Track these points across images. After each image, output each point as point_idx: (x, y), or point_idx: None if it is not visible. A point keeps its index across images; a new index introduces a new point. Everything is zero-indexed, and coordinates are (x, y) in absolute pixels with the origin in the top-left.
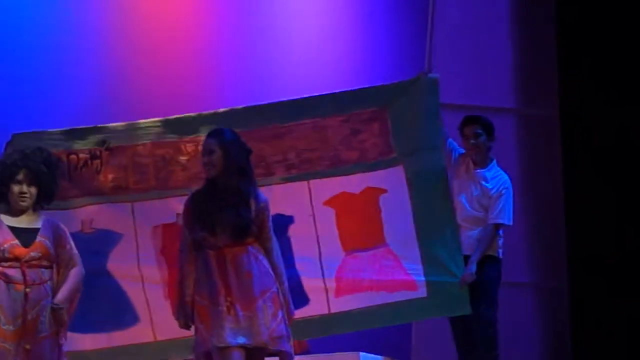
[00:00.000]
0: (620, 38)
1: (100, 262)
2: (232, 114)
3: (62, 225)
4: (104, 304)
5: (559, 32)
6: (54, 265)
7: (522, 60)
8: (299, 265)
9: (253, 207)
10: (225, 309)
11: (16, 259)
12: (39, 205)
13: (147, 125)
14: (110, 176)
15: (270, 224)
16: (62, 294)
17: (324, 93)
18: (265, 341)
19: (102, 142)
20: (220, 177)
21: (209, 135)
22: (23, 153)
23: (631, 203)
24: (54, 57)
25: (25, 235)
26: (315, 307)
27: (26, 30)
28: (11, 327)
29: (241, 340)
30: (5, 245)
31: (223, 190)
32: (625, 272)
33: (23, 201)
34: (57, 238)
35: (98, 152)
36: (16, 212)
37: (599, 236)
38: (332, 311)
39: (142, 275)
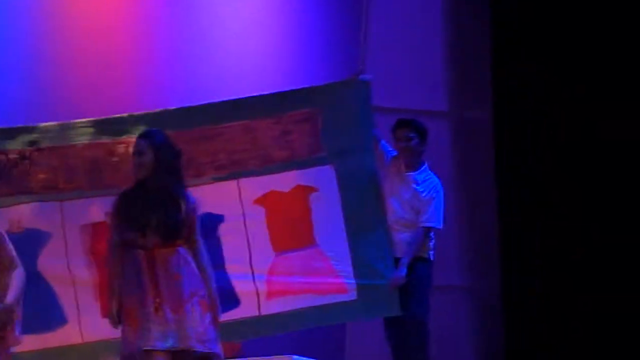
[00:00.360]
0: (554, 39)
1: (30, 262)
2: (163, 114)
3: None
4: (33, 305)
5: (492, 33)
6: None
7: (456, 64)
8: (229, 266)
9: (183, 208)
10: (153, 310)
11: None
12: None
13: (77, 125)
14: (40, 176)
15: (198, 225)
16: (11, 296)
17: (255, 94)
18: (192, 344)
19: (32, 143)
20: (150, 178)
21: (140, 137)
22: None
23: (564, 204)
24: None
25: None
26: (245, 309)
27: None
28: None
29: (169, 343)
30: None
31: (153, 191)
32: (558, 273)
33: None
34: None
35: (27, 153)
36: None
37: (531, 239)
38: (263, 313)
39: (73, 276)
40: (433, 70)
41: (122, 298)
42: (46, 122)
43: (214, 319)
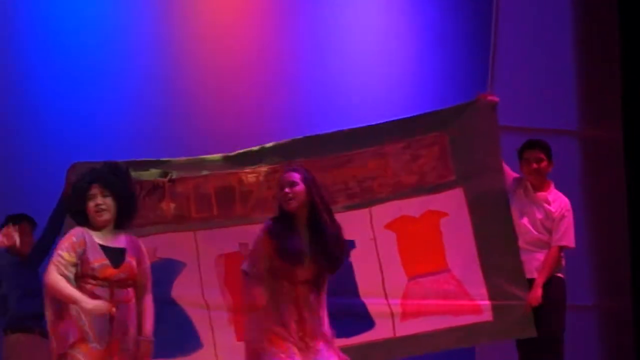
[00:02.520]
0: None
1: (165, 290)
2: (293, 144)
3: (142, 245)
4: (169, 331)
5: (622, 52)
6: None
7: (585, 82)
8: (362, 291)
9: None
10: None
11: (106, 279)
12: (121, 220)
13: (209, 160)
14: (172, 205)
15: None
16: (149, 326)
17: (383, 121)
18: None
19: (165, 174)
20: (301, 210)
21: (289, 170)
22: (91, 169)
23: None
24: (115, 82)
25: (114, 256)
26: (380, 331)
27: (85, 54)
28: (99, 346)
29: None
30: (96, 265)
31: (307, 225)
32: None
33: (100, 215)
34: (139, 256)
35: (161, 183)
36: (99, 228)
37: None
38: (398, 335)
39: (207, 303)
40: (562, 88)
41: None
42: (179, 148)
43: None
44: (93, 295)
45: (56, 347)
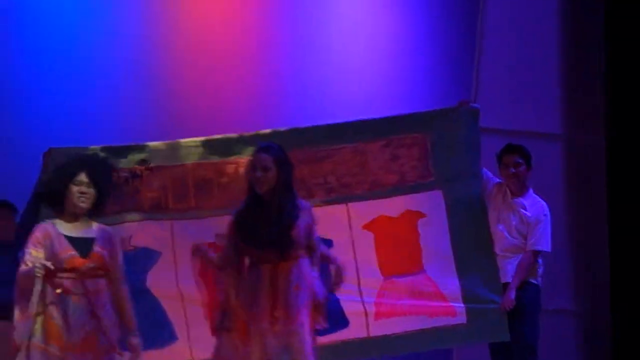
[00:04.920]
0: None
1: (140, 280)
2: (274, 135)
3: (115, 236)
4: (143, 322)
5: (606, 57)
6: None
7: (569, 86)
8: (337, 289)
9: (299, 221)
10: (269, 324)
11: (73, 270)
12: (93, 212)
13: (187, 145)
14: (149, 195)
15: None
16: (134, 322)
17: (366, 118)
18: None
19: (143, 161)
20: (268, 193)
21: (263, 151)
22: (83, 156)
23: None
24: (96, 70)
25: (82, 245)
26: (354, 330)
27: (68, 42)
28: (74, 339)
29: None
30: (63, 256)
31: (271, 206)
32: None
33: (83, 202)
34: (111, 248)
35: (139, 171)
36: (72, 217)
37: None
38: (372, 335)
39: (182, 294)
40: (546, 90)
41: (233, 312)
42: (158, 135)
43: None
44: (64, 289)
45: (17, 340)
